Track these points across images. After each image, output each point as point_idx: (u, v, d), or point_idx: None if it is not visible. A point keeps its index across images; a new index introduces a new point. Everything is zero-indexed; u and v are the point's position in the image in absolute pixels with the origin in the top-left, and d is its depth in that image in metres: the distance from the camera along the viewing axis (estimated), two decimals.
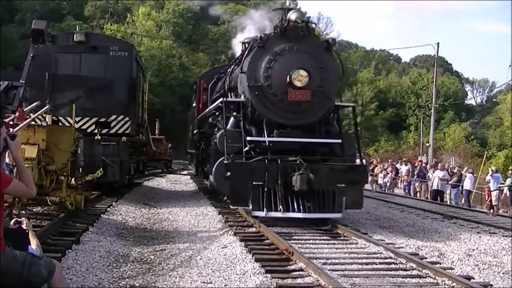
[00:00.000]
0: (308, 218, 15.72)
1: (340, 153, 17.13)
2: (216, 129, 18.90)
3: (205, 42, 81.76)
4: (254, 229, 15.27)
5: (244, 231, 14.96)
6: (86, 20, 78.42)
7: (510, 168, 29.91)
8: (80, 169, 16.00)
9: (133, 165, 26.03)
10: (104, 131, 21.72)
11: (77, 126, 18.93)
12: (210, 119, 20.77)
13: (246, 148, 16.50)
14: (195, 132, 27.94)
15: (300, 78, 16.23)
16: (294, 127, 17.00)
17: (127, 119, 22.50)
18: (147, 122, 31.41)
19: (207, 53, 79.12)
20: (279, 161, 15.95)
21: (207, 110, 21.85)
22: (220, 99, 17.66)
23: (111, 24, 75.68)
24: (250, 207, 15.59)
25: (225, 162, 15.94)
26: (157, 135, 43.77)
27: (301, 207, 15.65)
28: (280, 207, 15.52)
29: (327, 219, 16.18)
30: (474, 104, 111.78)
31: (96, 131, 21.40)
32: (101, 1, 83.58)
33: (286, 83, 16.34)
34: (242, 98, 17.28)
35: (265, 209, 15.51)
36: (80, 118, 21.05)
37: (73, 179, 15.37)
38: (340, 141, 17.12)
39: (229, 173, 15.74)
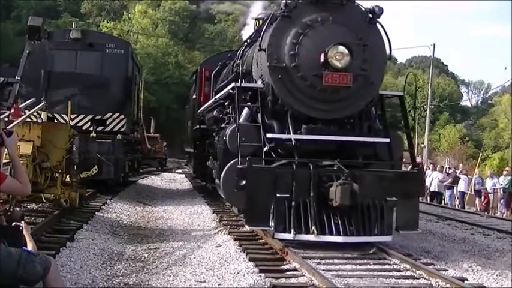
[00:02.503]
0: (350, 242, 11.28)
1: (386, 156, 12.55)
2: (224, 124, 14.31)
3: (202, 41, 79.57)
4: (248, 228, 12.97)
5: (238, 230, 13.83)
6: (82, 17, 75.75)
7: (506, 169, 29.75)
8: (75, 166, 15.56)
9: (128, 163, 25.13)
10: (99, 129, 21.09)
11: (72, 123, 18.11)
12: (215, 111, 16.09)
13: (266, 148, 12.01)
14: (194, 128, 23.16)
15: (339, 56, 11.63)
16: (328, 121, 12.42)
17: (122, 116, 21.77)
18: (142, 120, 30.26)
19: (203, 51, 76.37)
20: (310, 166, 11.43)
21: (211, 101, 17.12)
22: (231, 85, 12.99)
23: (107, 22, 72.99)
24: (272, 227, 11.23)
25: (239, 166, 11.40)
26: (152, 133, 41.88)
27: (340, 228, 11.23)
28: (313, 228, 11.13)
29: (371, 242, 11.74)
30: (469, 105, 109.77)
31: (91, 128, 20.78)
32: None
33: (320, 63, 11.77)
34: (259, 84, 12.67)
35: (292, 230, 11.13)
36: (75, 115, 20.25)
37: (68, 176, 14.86)
38: (388, 140, 12.53)
39: (244, 182, 11.23)
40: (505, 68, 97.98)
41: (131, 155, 25.79)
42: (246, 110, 12.70)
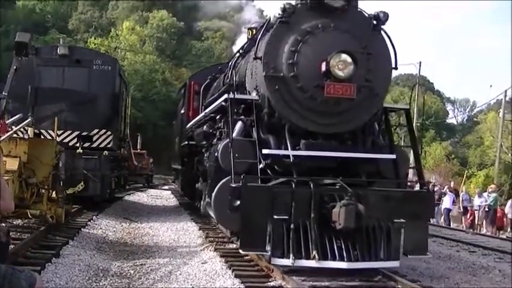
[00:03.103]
0: (355, 268, 10.14)
1: (390, 173, 11.43)
2: (215, 140, 13.14)
3: (189, 58, 78.31)
4: (234, 245, 13.08)
5: (224, 247, 13.55)
6: (70, 33, 74.84)
7: (490, 186, 29.76)
8: (61, 182, 15.20)
9: (115, 180, 24.67)
10: (86, 145, 20.65)
11: (59, 139, 17.77)
12: (205, 126, 14.86)
13: (261, 165, 10.85)
14: (182, 144, 21.91)
15: (342, 65, 10.51)
16: (328, 136, 11.29)
17: (109, 133, 21.28)
18: (129, 136, 29.72)
19: (190, 68, 75.05)
20: (311, 185, 10.26)
21: (201, 115, 15.94)
22: (224, 97, 11.82)
23: (95, 38, 71.47)
24: (269, 252, 10.06)
25: (233, 185, 10.23)
26: (139, 150, 41.74)
27: (344, 253, 10.05)
28: (314, 252, 9.96)
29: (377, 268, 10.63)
30: (455, 123, 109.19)
31: (78, 144, 20.40)
32: (85, 15, 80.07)
33: (321, 73, 10.65)
34: (254, 96, 11.54)
35: (291, 255, 9.95)
36: (62, 131, 19.82)
37: (54, 192, 14.61)
38: (394, 156, 11.41)
39: (238, 202, 10.07)
40: (491, 86, 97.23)
41: (118, 172, 25.36)
42: (239, 123, 11.54)
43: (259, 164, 10.76)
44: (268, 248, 10.00)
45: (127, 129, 28.11)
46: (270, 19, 11.55)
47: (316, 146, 11.02)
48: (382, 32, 11.45)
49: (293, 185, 10.36)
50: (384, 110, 11.83)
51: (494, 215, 27.44)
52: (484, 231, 27.03)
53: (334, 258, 9.99)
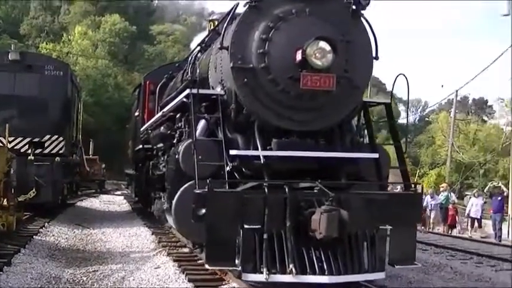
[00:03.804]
0: (337, 282, 8.78)
1: (371, 174, 10.14)
2: (174, 141, 11.70)
3: (141, 62, 76.49)
4: (187, 249, 13.18)
5: (177, 252, 13.48)
6: (22, 38, 72.54)
7: (442, 185, 30.97)
8: (13, 190, 14.94)
9: (67, 186, 24.45)
10: (38, 151, 20.15)
11: (10, 146, 17.22)
12: (162, 128, 13.43)
13: (228, 168, 9.47)
14: (137, 148, 20.34)
15: (321, 54, 9.15)
16: (304, 134, 9.90)
17: (61, 139, 20.91)
18: (81, 142, 29.63)
19: (142, 72, 73.04)
20: (286, 189, 8.88)
21: (158, 115, 14.42)
22: (186, 92, 10.36)
23: (46, 43, 69.28)
24: (239, 267, 8.69)
25: (197, 191, 8.79)
26: (91, 156, 39.93)
27: (325, 266, 8.72)
28: (291, 266, 8.59)
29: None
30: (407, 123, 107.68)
31: (29, 151, 19.78)
32: (37, 20, 77.52)
33: (296, 62, 9.28)
34: (219, 90, 10.12)
35: (265, 269, 8.59)
36: (13, 138, 19.21)
37: (5, 200, 14.13)
38: (376, 155, 10.12)
39: (204, 210, 8.63)
40: (442, 86, 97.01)
41: (70, 178, 25.00)
42: (202, 122, 10.14)
43: (226, 166, 9.36)
44: (238, 261, 8.61)
45: (79, 135, 27.89)
46: (237, 4, 10.08)
47: (289, 146, 9.64)
48: (362, 19, 10.14)
49: (265, 190, 8.96)
50: (363, 105, 10.51)
51: (446, 213, 27.73)
52: (436, 229, 27.58)
53: (313, 272, 8.67)
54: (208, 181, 8.67)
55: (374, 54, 10.17)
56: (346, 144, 10.17)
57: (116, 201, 34.17)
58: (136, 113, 21.75)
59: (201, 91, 9.95)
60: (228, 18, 10.08)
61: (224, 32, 9.97)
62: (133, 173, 23.90)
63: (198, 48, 13.29)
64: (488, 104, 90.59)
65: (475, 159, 59.83)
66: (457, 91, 48.14)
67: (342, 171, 9.78)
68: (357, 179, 9.97)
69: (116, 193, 42.42)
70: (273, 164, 9.53)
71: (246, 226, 8.61)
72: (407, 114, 13.39)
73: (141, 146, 18.34)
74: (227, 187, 9.07)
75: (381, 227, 9.16)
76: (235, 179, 9.49)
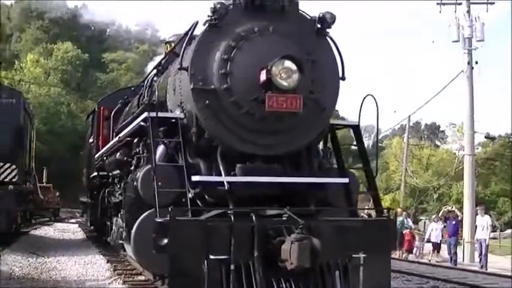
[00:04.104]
0: None
1: (340, 200, 9.61)
2: (131, 167, 11.02)
3: (94, 90, 75.49)
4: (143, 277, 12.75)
5: (133, 280, 13.28)
6: None
7: (396, 210, 27.71)
8: None
9: (21, 214, 24.12)
10: None
11: None
12: (118, 154, 12.73)
13: (191, 195, 8.81)
14: (91, 176, 19.53)
15: (286, 74, 8.61)
16: (269, 159, 9.30)
17: (14, 167, 20.55)
18: (34, 170, 29.34)
19: (95, 100, 72.03)
20: (253, 217, 8.26)
21: (114, 141, 13.71)
22: (143, 115, 9.70)
23: None
24: None
25: (159, 220, 8.13)
26: (44, 183, 39.67)
27: None
28: None
29: None
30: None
31: None
32: None
33: (260, 83, 8.73)
34: (179, 113, 9.51)
35: None
36: None
37: None
38: (347, 180, 9.58)
39: (166, 241, 7.95)
40: (395, 112, 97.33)
41: (23, 206, 24.55)
42: (161, 147, 9.51)
43: (188, 193, 8.73)
44: None
45: (32, 163, 27.61)
46: (196, 23, 9.50)
47: (255, 171, 9.05)
48: (327, 37, 9.66)
49: (231, 218, 8.34)
50: (330, 128, 9.99)
51: (402, 238, 27.10)
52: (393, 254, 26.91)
53: None
54: (170, 209, 8.03)
55: (340, 74, 9.69)
56: (314, 168, 9.61)
57: (71, 229, 33.49)
58: (91, 140, 20.95)
59: (160, 114, 9.32)
60: (187, 38, 9.51)
61: (183, 52, 9.39)
62: (88, 201, 23.04)
63: (155, 71, 12.68)
64: (441, 129, 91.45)
65: (429, 184, 59.83)
66: (409, 116, 48.42)
67: (310, 197, 9.22)
68: (326, 205, 9.42)
69: (71, 221, 41.62)
70: (237, 191, 8.93)
71: (211, 257, 7.97)
72: (377, 138, 12.26)
73: (96, 173, 17.56)
74: (190, 215, 8.44)
75: (354, 255, 8.59)
76: (198, 206, 8.87)
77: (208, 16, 9.10)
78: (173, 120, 9.44)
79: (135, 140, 10.80)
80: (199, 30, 9.56)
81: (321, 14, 9.43)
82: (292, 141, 9.33)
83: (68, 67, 74.47)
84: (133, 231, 8.84)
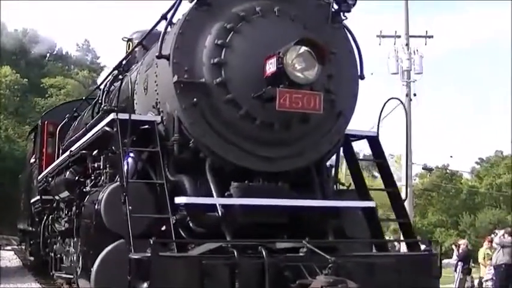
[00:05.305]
0: None
1: (361, 230, 7.31)
2: (85, 188, 8.56)
3: (33, 115, 71.44)
4: None
5: None
6: None
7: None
8: None
9: None
10: None
11: None
12: (68, 173, 10.05)
13: (174, 220, 6.36)
14: (33, 200, 16.70)
15: (303, 63, 6.34)
16: (273, 176, 6.94)
17: None
18: None
19: (34, 125, 68.77)
20: (263, 252, 5.87)
21: (63, 156, 11.05)
22: (109, 118, 7.18)
23: None
24: None
25: (135, 256, 5.70)
26: None
27: None
28: None
29: None
30: None
31: None
32: None
33: (266, 75, 6.45)
34: (154, 116, 7.10)
35: None
36: None
37: None
38: (373, 204, 7.27)
39: (146, 285, 5.50)
40: None
41: None
42: (129, 161, 7.01)
43: (172, 219, 6.32)
44: None
45: None
46: (179, 2, 7.10)
47: (256, 192, 6.70)
48: (344, 27, 7.45)
49: (235, 253, 5.93)
50: (345, 138, 7.69)
51: None
52: None
53: None
54: (151, 241, 5.61)
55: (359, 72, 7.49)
56: (330, 189, 7.28)
57: (6, 257, 30.96)
58: (32, 160, 18.04)
59: (133, 116, 6.85)
60: (168, 19, 7.13)
61: (163, 36, 6.99)
62: (28, 229, 20.00)
63: (116, 72, 10.21)
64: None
65: None
66: None
67: (327, 225, 6.89)
68: (343, 236, 7.11)
69: (6, 248, 38.02)
70: (233, 217, 6.56)
71: None
72: (407, 149, 9.77)
73: (38, 197, 14.82)
74: (175, 250, 6.02)
75: None
76: (180, 237, 6.46)
77: None
78: (146, 127, 7.01)
79: (95, 153, 8.28)
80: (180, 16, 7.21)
81: None
82: (301, 154, 7.02)
83: (6, 91, 70.84)
84: (94, 268, 6.37)
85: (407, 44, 29.61)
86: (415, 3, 42.68)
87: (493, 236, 22.27)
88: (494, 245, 18.20)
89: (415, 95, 29.03)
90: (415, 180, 55.86)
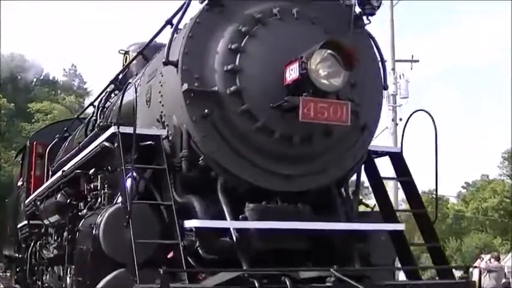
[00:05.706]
0: None
1: (386, 255, 6.52)
2: (78, 212, 7.75)
3: (19, 140, 70.30)
4: None
5: None
6: None
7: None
8: None
9: None
10: None
11: None
12: (59, 196, 9.23)
13: (183, 246, 5.53)
14: (20, 226, 15.75)
15: (329, 69, 5.59)
16: (292, 196, 6.14)
17: None
18: None
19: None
20: (287, 283, 5.07)
21: (54, 177, 10.17)
22: (108, 132, 6.38)
23: None
24: None
25: (140, 287, 4.84)
26: None
27: None
28: None
29: None
30: None
31: None
32: None
33: (287, 83, 5.72)
34: (159, 130, 6.29)
35: None
36: None
37: None
38: (402, 226, 6.48)
39: None
40: None
41: None
42: (128, 181, 6.18)
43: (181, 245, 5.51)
44: None
45: None
46: (188, 3, 6.34)
47: (274, 214, 5.90)
48: (366, 32, 6.73)
49: (256, 284, 5.11)
50: (368, 154, 6.90)
51: None
52: None
53: None
54: (161, 271, 4.79)
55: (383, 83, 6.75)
56: (354, 211, 6.49)
57: None
58: (20, 183, 17.10)
59: (138, 131, 6.02)
60: (177, 21, 6.35)
61: (170, 41, 6.22)
62: (14, 255, 18.97)
63: (112, 87, 9.42)
64: (365, 185, 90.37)
65: None
66: None
67: (352, 250, 6.08)
68: (368, 263, 6.31)
69: None
70: (249, 242, 5.75)
71: None
72: (437, 166, 8.66)
73: (25, 222, 13.92)
74: (187, 281, 5.21)
75: None
76: (190, 266, 5.65)
77: None
78: (149, 143, 6.22)
79: (91, 171, 7.45)
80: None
81: None
82: (323, 171, 6.24)
83: None
84: None
85: (393, 69, 28.70)
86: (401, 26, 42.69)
87: (479, 260, 21.72)
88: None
89: (400, 119, 27.66)
90: (401, 205, 55.28)
